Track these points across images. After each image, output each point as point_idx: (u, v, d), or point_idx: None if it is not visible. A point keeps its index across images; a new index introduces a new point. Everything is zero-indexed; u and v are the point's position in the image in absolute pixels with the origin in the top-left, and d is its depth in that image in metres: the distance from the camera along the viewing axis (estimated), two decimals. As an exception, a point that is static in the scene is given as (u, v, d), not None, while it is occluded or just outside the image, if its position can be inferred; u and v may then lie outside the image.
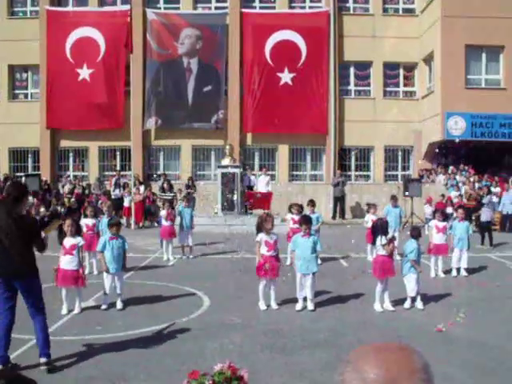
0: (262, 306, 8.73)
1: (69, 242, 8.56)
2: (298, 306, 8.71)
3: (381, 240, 8.76)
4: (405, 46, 24.94)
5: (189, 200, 15.53)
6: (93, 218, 12.07)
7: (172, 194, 21.69)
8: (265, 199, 21.19)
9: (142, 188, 22.10)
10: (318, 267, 9.18)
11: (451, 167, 23.49)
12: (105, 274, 8.96)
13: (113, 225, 9.32)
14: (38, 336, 6.06)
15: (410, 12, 25.75)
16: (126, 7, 22.20)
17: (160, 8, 25.13)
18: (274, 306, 8.77)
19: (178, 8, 25.20)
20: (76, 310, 8.53)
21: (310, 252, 8.70)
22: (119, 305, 8.85)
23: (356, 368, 1.15)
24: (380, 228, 8.94)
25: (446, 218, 12.26)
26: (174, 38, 24.44)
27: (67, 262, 8.45)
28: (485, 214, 16.36)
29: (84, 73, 24.07)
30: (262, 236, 8.69)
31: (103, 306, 8.81)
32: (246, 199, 21.18)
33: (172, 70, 24.53)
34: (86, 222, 11.92)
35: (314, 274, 8.67)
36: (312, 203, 13.30)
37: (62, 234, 8.67)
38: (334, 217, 23.17)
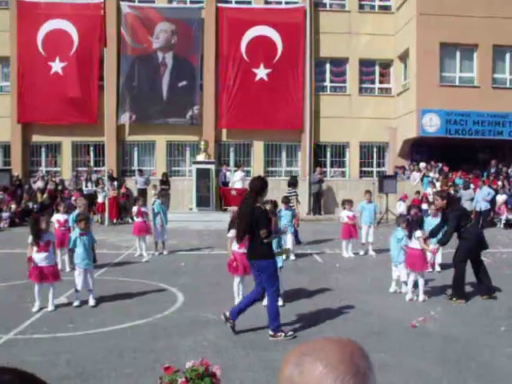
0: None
1: (44, 238, 8.42)
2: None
3: (414, 234, 9.13)
4: (380, 43, 25.05)
5: (162, 196, 15.33)
6: (65, 214, 11.88)
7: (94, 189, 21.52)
8: (240, 195, 21.07)
9: (109, 184, 21.75)
10: (283, 262, 9.14)
11: (423, 164, 23.66)
12: (77, 270, 8.80)
13: (81, 220, 9.11)
14: None
15: (385, 9, 25.86)
16: (100, 0, 21.86)
17: (134, 1, 24.80)
18: None
19: (153, 1, 24.91)
20: (50, 307, 8.37)
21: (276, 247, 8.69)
22: (92, 302, 8.68)
23: (317, 357, 1.09)
24: (415, 222, 9.39)
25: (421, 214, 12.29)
26: (148, 32, 24.14)
27: (43, 259, 8.32)
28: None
29: (56, 66, 23.61)
30: (233, 232, 8.52)
31: (75, 303, 8.64)
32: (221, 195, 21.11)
33: (147, 65, 24.24)
34: (57, 218, 11.73)
35: (280, 268, 8.50)
36: (286, 199, 13.31)
37: (36, 231, 8.46)
38: (309, 213, 23.23)
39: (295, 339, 6.92)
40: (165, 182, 22.54)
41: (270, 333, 6.99)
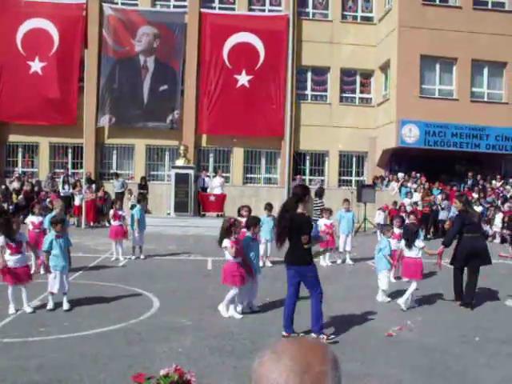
0: (237, 315, 8.43)
1: (16, 240, 8.31)
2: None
3: (414, 244, 9.32)
4: (362, 54, 25.26)
5: (142, 200, 15.17)
6: (39, 216, 11.71)
7: (70, 191, 21.33)
8: (218, 201, 21.03)
9: (87, 187, 21.54)
10: (260, 269, 9.21)
11: (401, 174, 23.85)
12: (52, 273, 8.64)
13: (57, 222, 8.95)
14: None
15: (368, 20, 26.08)
16: (82, 0, 21.68)
17: (117, 3, 24.67)
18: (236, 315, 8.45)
19: (136, 4, 24.79)
20: (28, 309, 8.27)
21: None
22: (66, 305, 8.54)
23: (274, 356, 1.22)
24: (413, 232, 9.58)
25: (403, 224, 12.29)
26: (131, 35, 24.02)
27: (16, 261, 8.23)
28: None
29: (36, 66, 23.33)
30: (227, 242, 8.35)
31: (49, 306, 8.49)
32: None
33: (128, 68, 24.09)
34: (32, 220, 11.55)
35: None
36: (269, 207, 13.28)
37: (8, 233, 8.30)
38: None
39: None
40: (143, 186, 22.38)
41: (313, 335, 7.10)
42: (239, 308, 8.57)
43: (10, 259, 8.19)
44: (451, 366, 6.41)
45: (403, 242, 9.68)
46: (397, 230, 11.67)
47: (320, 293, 7.25)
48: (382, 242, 9.96)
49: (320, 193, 16.85)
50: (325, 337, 7.11)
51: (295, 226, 7.08)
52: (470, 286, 9.55)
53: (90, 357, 6.34)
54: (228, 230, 8.30)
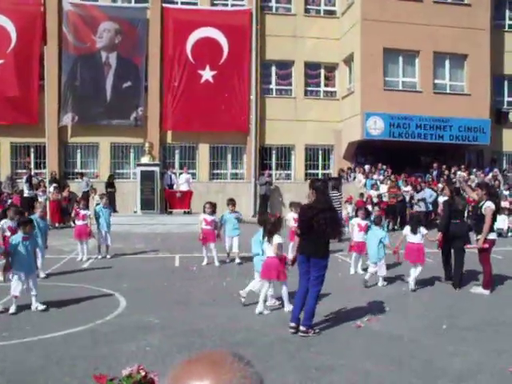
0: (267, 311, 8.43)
1: None
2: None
3: (418, 230, 10.16)
4: (326, 47, 25.30)
5: (102, 198, 14.82)
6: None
7: (34, 192, 20.99)
8: (185, 198, 20.88)
9: (52, 187, 21.13)
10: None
11: (367, 166, 24.04)
12: (15, 276, 8.42)
13: (26, 223, 8.74)
14: None
15: (331, 14, 26.13)
16: (40, -5, 21.16)
17: (77, -2, 24.15)
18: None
19: (97, 0, 24.32)
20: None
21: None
22: (40, 306, 8.39)
23: (180, 362, 1.14)
24: (417, 219, 10.74)
25: (368, 215, 12.38)
26: (91, 30, 23.54)
27: None
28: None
29: (-7, 64, 22.73)
30: (279, 238, 8.18)
31: (12, 310, 8.27)
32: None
33: (90, 65, 23.61)
34: (9, 224, 10.90)
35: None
36: (232, 202, 13.19)
37: None
38: (254, 215, 23.21)
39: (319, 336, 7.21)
40: (111, 184, 22.07)
41: (302, 329, 7.15)
42: (272, 302, 8.71)
43: None
44: (418, 355, 6.45)
45: (407, 228, 10.48)
46: (362, 222, 11.74)
47: (319, 291, 7.38)
48: (379, 233, 10.65)
49: (337, 185, 16.99)
50: (311, 332, 7.16)
51: (325, 218, 7.19)
52: (456, 268, 10.36)
53: (55, 359, 6.19)
54: (278, 225, 8.30)
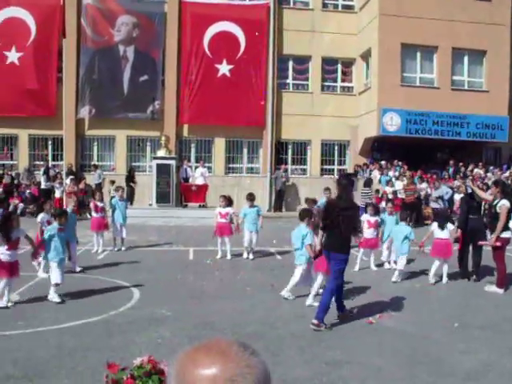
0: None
1: (13, 236, 8.29)
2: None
3: (446, 226, 10.45)
4: (343, 42, 25.20)
5: (122, 192, 14.92)
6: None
7: (51, 184, 21.17)
8: (200, 191, 20.96)
9: (69, 180, 21.32)
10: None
11: (383, 162, 23.94)
12: (54, 263, 8.61)
13: (61, 215, 9.05)
14: None
15: (349, 8, 26.02)
16: (59, -11, 21.31)
17: (96, -8, 24.29)
18: None
19: (115, -6, 24.41)
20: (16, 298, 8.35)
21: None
22: (56, 298, 8.53)
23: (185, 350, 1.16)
24: (445, 216, 11.32)
25: (377, 212, 12.33)
26: (110, 24, 23.69)
27: (12, 256, 8.23)
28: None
29: (12, 56, 22.89)
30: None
31: (56, 299, 8.45)
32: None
33: (107, 58, 23.79)
34: (47, 218, 10.75)
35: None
36: (251, 197, 13.15)
37: (6, 230, 8.23)
38: (270, 209, 23.28)
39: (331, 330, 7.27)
40: (131, 177, 22.25)
41: (314, 321, 7.17)
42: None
43: (5, 253, 8.17)
44: (430, 352, 6.44)
45: (435, 224, 10.75)
46: (372, 219, 11.72)
47: (335, 285, 7.45)
48: (405, 229, 10.81)
49: (369, 182, 17.22)
50: (323, 327, 7.20)
51: (343, 215, 7.30)
52: (474, 262, 10.70)
53: (69, 349, 6.28)
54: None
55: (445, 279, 10.42)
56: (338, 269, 7.44)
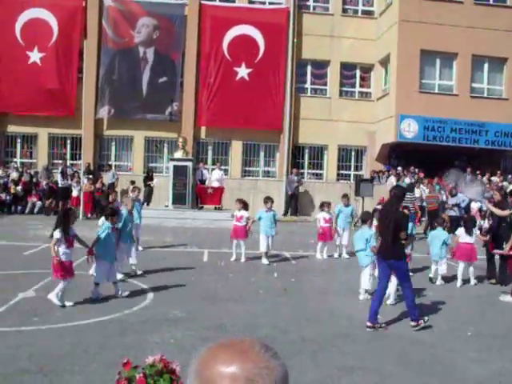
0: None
1: (71, 233, 8.32)
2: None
3: (473, 231, 11.07)
4: (362, 48, 25.15)
5: (138, 192, 14.93)
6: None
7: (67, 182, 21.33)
8: (216, 194, 21.03)
9: (86, 179, 21.55)
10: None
11: (399, 169, 23.83)
12: (99, 262, 8.75)
13: (113, 214, 9.07)
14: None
15: (368, 14, 25.98)
16: (82, -9, 21.58)
17: (117, -6, 24.52)
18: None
19: (136, -5, 24.63)
20: (55, 300, 8.20)
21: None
22: (125, 292, 8.83)
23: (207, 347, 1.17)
24: (471, 222, 11.71)
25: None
26: (130, 26, 23.91)
27: (68, 255, 8.19)
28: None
29: (35, 56, 23.22)
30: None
31: (97, 295, 8.63)
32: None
33: (127, 59, 24.01)
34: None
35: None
36: (268, 200, 13.15)
37: (66, 226, 8.20)
38: (285, 214, 23.28)
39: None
40: (150, 178, 22.42)
41: (413, 323, 7.59)
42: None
43: (65, 253, 8.10)
44: (441, 359, 6.43)
45: (462, 229, 11.16)
46: None
47: (411, 285, 7.78)
48: (442, 234, 11.13)
49: (411, 188, 17.59)
50: (422, 321, 7.57)
51: (396, 223, 7.56)
52: (501, 267, 11.00)
53: (82, 346, 6.37)
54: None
55: (473, 281, 10.84)
56: (405, 272, 7.79)
